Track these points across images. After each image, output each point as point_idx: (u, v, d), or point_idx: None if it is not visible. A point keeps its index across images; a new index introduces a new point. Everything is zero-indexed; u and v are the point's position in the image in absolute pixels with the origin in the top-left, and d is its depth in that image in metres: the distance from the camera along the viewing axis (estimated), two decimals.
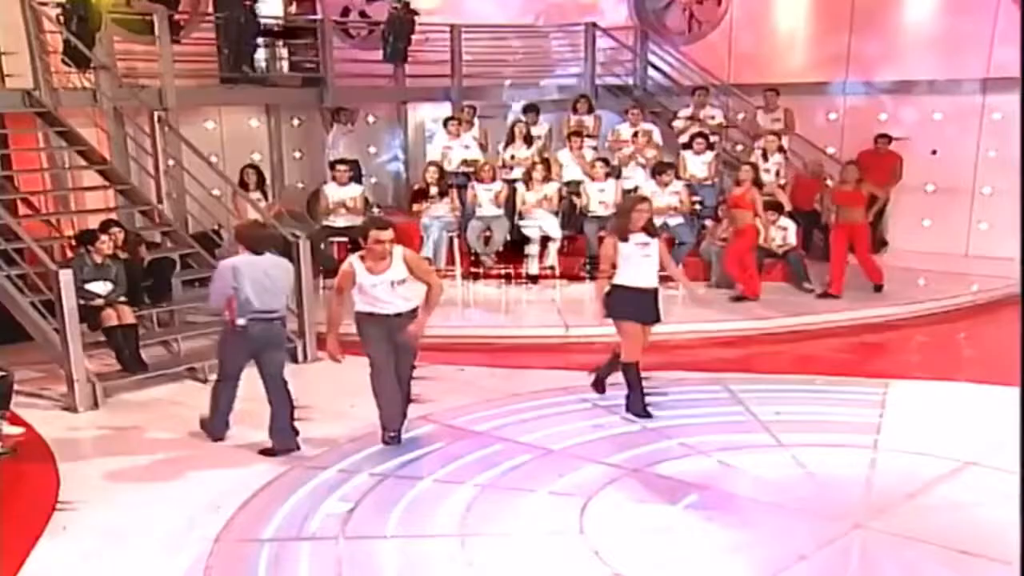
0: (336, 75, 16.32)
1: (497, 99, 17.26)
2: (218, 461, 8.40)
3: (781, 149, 14.95)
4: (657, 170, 13.99)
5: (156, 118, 12.62)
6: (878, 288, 13.56)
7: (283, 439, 8.51)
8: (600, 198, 14.02)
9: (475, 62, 17.23)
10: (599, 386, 9.70)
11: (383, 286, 8.24)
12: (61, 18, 12.84)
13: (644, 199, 9.62)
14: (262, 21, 15.72)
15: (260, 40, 15.80)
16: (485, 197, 13.95)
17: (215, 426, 8.88)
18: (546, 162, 14.35)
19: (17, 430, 9.11)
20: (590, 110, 15.99)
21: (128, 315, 10.57)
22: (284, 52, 16.39)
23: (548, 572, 6.48)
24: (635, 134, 15.19)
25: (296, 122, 16.72)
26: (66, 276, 9.78)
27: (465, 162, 14.84)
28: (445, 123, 15.27)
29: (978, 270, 14.80)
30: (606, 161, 14.38)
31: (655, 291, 9.11)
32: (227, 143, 15.84)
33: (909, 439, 8.62)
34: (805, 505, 7.29)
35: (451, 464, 8.13)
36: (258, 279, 8.35)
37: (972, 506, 7.31)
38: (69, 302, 9.74)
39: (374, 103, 17.25)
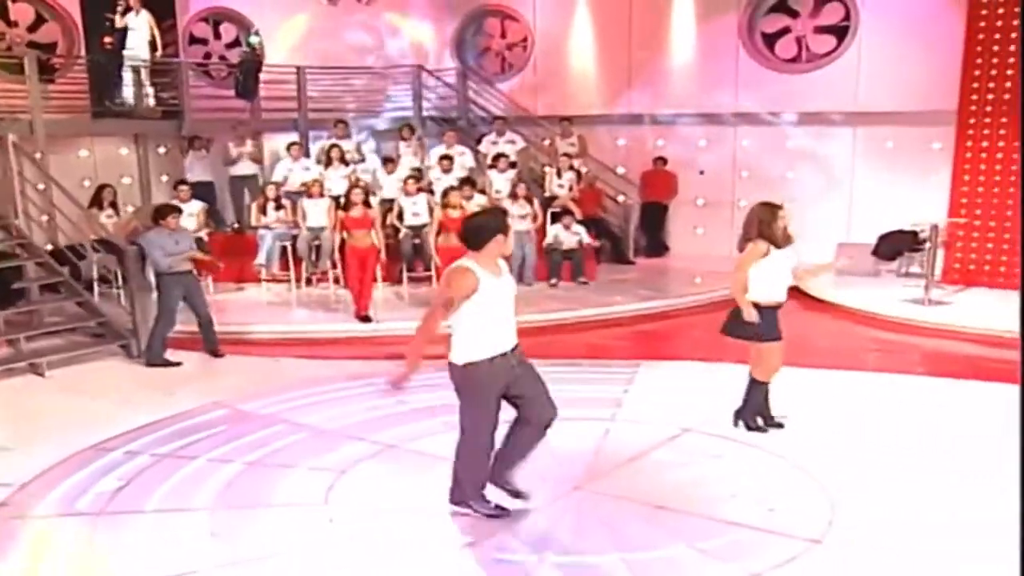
0: (195, 109, 15.50)
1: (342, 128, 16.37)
2: (28, 443, 7.54)
3: (572, 168, 14.45)
4: (460, 185, 13.32)
5: (12, 145, 11.67)
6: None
7: None
8: (413, 210, 13.35)
9: (320, 97, 16.45)
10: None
11: (507, 296, 5.80)
12: None
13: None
14: (128, 62, 14.80)
15: (126, 78, 14.87)
16: (313, 211, 13.15)
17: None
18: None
19: None
20: (411, 133, 15.46)
21: None
22: (150, 89, 15.38)
23: (284, 538, 5.80)
24: (442, 156, 14.53)
25: (162, 150, 15.77)
26: None
27: (304, 183, 13.99)
28: (288, 148, 14.63)
29: None
30: (417, 178, 13.67)
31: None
32: (100, 169, 14.85)
33: (642, 412, 8.15)
34: (536, 472, 6.69)
35: (229, 444, 7.38)
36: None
37: (678, 466, 6.90)
38: None
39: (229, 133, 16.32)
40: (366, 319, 11.33)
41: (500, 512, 6.02)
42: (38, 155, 12.74)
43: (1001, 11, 13.11)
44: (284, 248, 13.48)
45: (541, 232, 13.96)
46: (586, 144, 16.07)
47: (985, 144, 13.43)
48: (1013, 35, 13.00)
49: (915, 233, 13.66)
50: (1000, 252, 13.53)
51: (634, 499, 6.27)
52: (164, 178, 15.72)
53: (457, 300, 5.56)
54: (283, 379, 9.37)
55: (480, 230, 5.67)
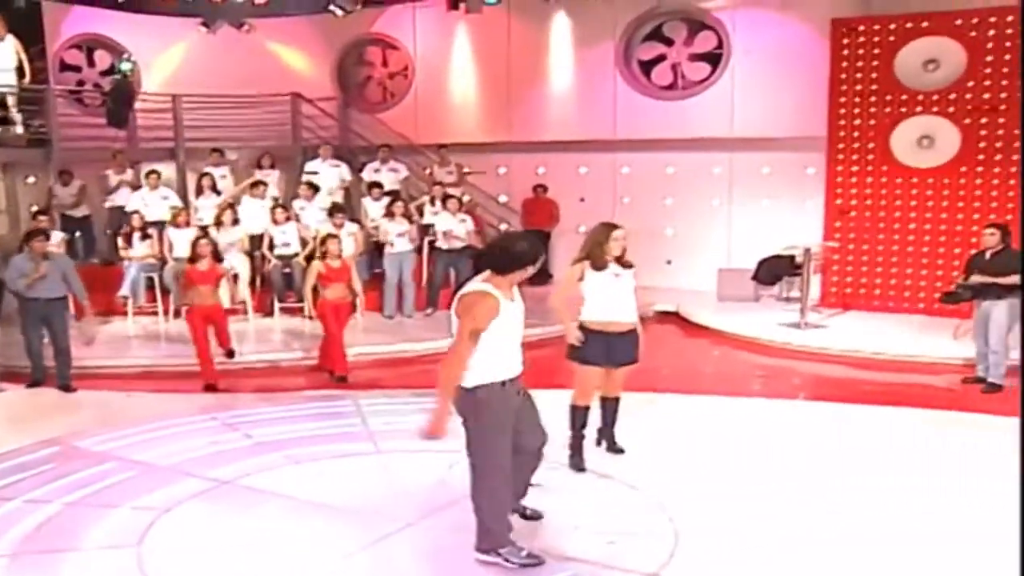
0: (66, 138, 14.95)
1: (217, 157, 15.88)
2: None
3: (447, 197, 14.12)
4: (330, 212, 13.01)
5: None
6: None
7: None
8: (282, 239, 13.01)
9: (196, 126, 15.97)
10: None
11: (519, 319, 5.57)
12: None
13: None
14: None
15: None
16: (180, 240, 12.67)
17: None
18: (233, 207, 13.23)
19: None
20: (272, 166, 15.15)
21: None
22: (18, 116, 14.78)
23: None
24: (307, 184, 14.23)
25: (32, 179, 15.16)
26: None
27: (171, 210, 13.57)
28: (146, 177, 14.07)
29: None
30: (285, 207, 13.32)
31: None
32: None
33: None
34: (369, 508, 6.39)
35: (51, 484, 6.88)
36: None
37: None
38: None
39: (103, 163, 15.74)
40: (230, 353, 10.63)
41: (534, 561, 5.54)
42: None
43: (862, 39, 13.28)
44: (151, 279, 12.96)
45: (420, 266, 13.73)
46: (463, 172, 15.88)
47: (855, 169, 13.55)
48: (875, 63, 13.20)
49: (792, 257, 13.69)
50: (874, 275, 13.65)
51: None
52: (34, 208, 15.09)
53: (483, 329, 5.21)
54: (130, 415, 8.88)
55: (515, 257, 5.37)
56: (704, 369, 11.39)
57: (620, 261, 7.11)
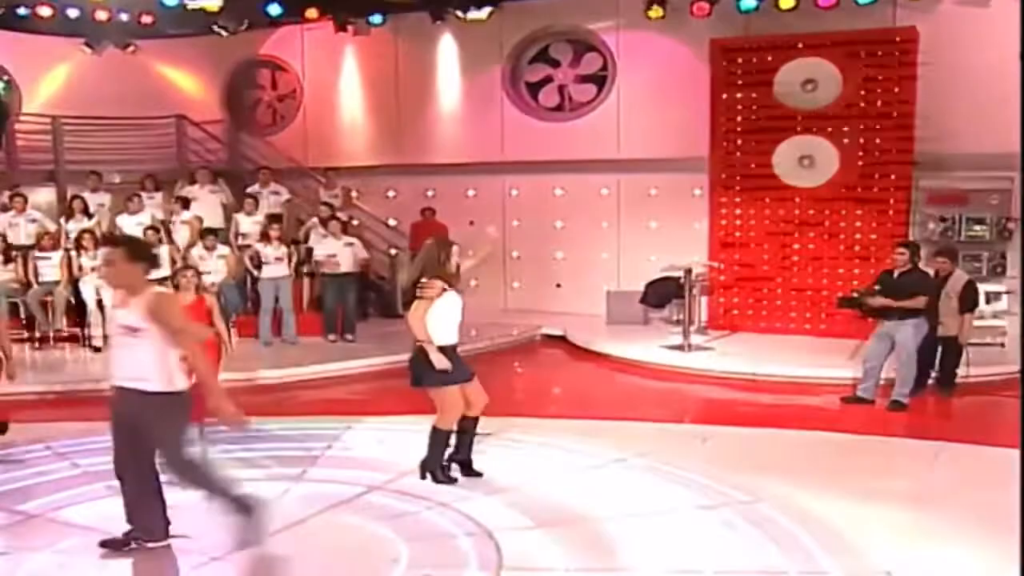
0: None
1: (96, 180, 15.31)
2: None
3: (334, 217, 13.76)
4: (201, 235, 12.70)
5: None
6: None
7: None
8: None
9: (78, 148, 15.47)
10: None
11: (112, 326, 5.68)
12: None
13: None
14: None
15: None
16: (45, 265, 12.19)
17: None
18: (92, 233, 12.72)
19: None
20: (157, 188, 14.61)
21: None
22: None
23: None
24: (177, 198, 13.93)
25: None
26: None
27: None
28: (12, 199, 13.51)
29: (511, 320, 14.37)
30: (156, 229, 12.82)
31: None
32: None
33: (335, 470, 7.51)
34: (182, 541, 5.99)
35: None
36: None
37: (346, 530, 6.28)
38: None
39: None
40: None
41: None
42: None
43: (740, 60, 13.29)
44: (14, 305, 12.40)
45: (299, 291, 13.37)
46: (350, 194, 15.62)
47: (739, 188, 13.49)
48: (755, 84, 13.19)
49: (679, 279, 13.54)
50: (760, 296, 13.57)
51: (277, 571, 5.63)
52: None
53: None
54: None
55: None
56: (578, 391, 11.14)
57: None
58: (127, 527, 5.75)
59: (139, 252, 5.65)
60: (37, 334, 12.46)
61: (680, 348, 12.26)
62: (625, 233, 14.78)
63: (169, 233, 13.30)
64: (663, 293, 13.99)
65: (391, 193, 16.22)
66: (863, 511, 6.38)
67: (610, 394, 10.91)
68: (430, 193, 15.84)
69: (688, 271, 12.57)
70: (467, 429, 7.25)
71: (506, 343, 13.24)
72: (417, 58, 15.93)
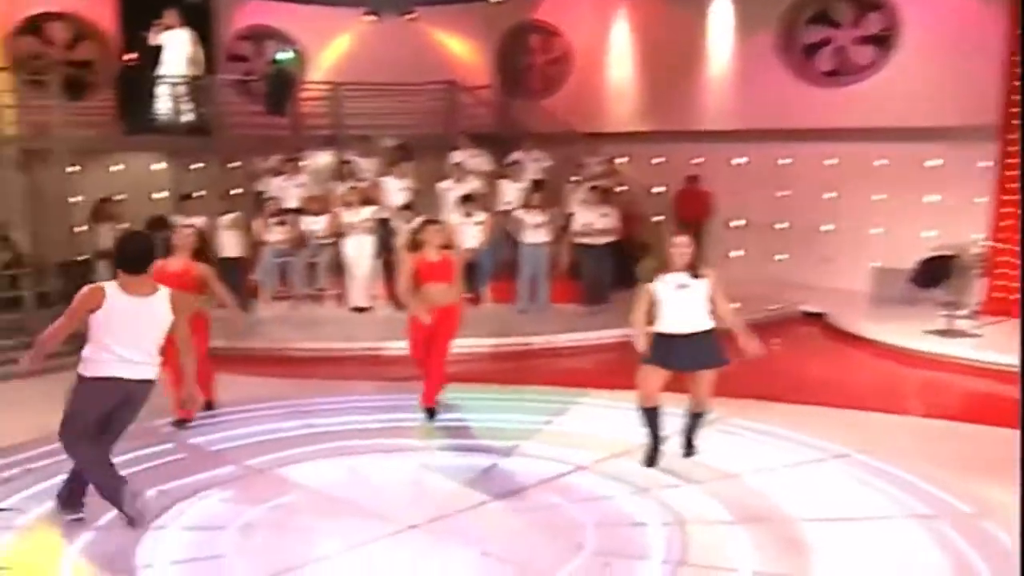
0: (234, 125, 15.69)
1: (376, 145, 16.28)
2: None
3: (593, 187, 13.83)
4: (461, 200, 13.14)
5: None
6: None
7: None
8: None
9: (355, 114, 16.41)
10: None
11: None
12: None
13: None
14: (163, 79, 15.08)
15: (161, 94, 15.15)
16: (314, 228, 13.09)
17: None
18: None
19: None
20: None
21: None
22: (186, 106, 15.61)
23: None
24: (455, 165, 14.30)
25: (197, 166, 15.96)
26: None
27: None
28: (285, 163, 14.45)
29: (772, 294, 13.78)
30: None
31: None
32: (133, 183, 15.06)
33: (549, 446, 7.62)
34: (373, 506, 6.38)
35: None
36: None
37: (541, 510, 6.38)
38: None
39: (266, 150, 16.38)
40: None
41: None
42: (72, 169, 13.50)
43: None
44: (282, 266, 13.38)
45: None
46: (615, 163, 15.60)
47: None
48: None
49: (954, 258, 12.66)
50: None
51: (465, 544, 5.83)
52: (200, 193, 15.92)
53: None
54: (224, 396, 8.88)
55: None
56: (824, 376, 10.70)
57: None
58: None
59: None
60: (301, 293, 13.38)
61: (944, 334, 11.49)
62: (898, 207, 13.93)
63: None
64: (934, 273, 13.03)
65: (657, 160, 16.09)
66: None
67: (858, 381, 10.39)
68: (696, 161, 15.59)
69: (965, 250, 11.73)
70: (688, 413, 7.21)
71: (762, 319, 12.74)
72: (688, 21, 15.71)
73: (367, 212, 13.09)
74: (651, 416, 7.10)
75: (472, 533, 5.99)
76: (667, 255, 6.86)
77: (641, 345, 6.89)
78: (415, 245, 8.25)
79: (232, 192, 14.97)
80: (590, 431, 8.04)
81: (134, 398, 5.99)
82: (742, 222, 15.30)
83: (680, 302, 6.87)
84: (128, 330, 5.84)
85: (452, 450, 7.67)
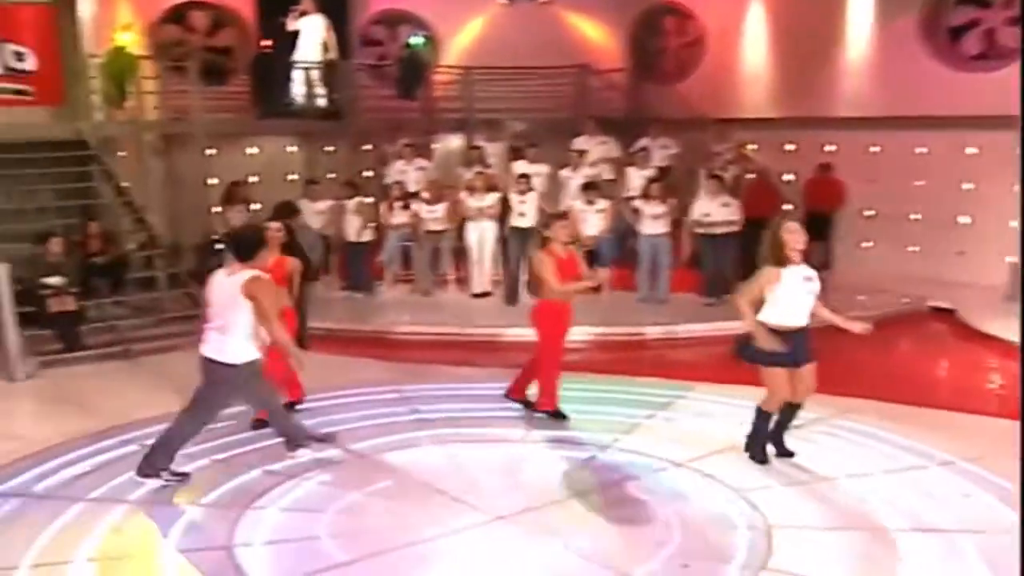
0: (366, 109, 16.17)
1: (505, 129, 16.54)
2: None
3: (712, 177, 13.62)
4: (583, 188, 13.13)
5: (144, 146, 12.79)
6: None
7: None
8: (520, 210, 12.97)
9: (486, 97, 16.65)
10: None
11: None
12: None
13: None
14: (298, 64, 15.65)
15: (296, 79, 15.71)
16: (431, 216, 13.42)
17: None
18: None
19: None
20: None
21: (70, 304, 10.60)
22: (320, 90, 16.14)
23: None
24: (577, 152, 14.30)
25: (330, 149, 16.46)
26: (2, 269, 9.84)
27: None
28: (405, 147, 14.76)
29: (902, 288, 13.60)
30: (528, 176, 13.28)
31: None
32: (267, 166, 15.70)
33: (649, 440, 7.70)
34: (467, 495, 6.59)
35: (215, 441, 7.48)
36: None
37: (628, 505, 6.52)
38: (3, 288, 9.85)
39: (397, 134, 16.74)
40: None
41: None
42: (210, 152, 14.35)
43: None
44: (406, 249, 13.74)
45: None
46: (745, 149, 15.42)
47: None
48: None
49: None
50: None
51: (550, 537, 5.99)
52: (331, 176, 16.44)
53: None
54: (336, 379, 9.36)
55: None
56: (946, 376, 10.41)
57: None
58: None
59: None
60: (422, 278, 13.67)
61: None
62: None
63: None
64: None
65: (789, 147, 15.81)
66: None
67: (981, 383, 10.08)
68: (829, 148, 15.26)
69: None
70: (785, 413, 7.17)
71: (890, 313, 12.50)
72: (826, 3, 15.36)
73: (491, 199, 13.20)
74: (771, 419, 7.12)
75: (558, 527, 6.13)
76: (782, 241, 6.76)
77: (767, 341, 6.78)
78: (544, 241, 8.26)
79: (364, 174, 15.45)
80: (692, 427, 8.09)
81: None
82: (873, 212, 14.89)
83: (803, 295, 6.82)
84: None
85: (552, 442, 7.79)
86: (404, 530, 6.10)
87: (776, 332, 6.81)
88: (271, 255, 7.80)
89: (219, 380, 6.57)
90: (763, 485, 6.78)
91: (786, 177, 15.52)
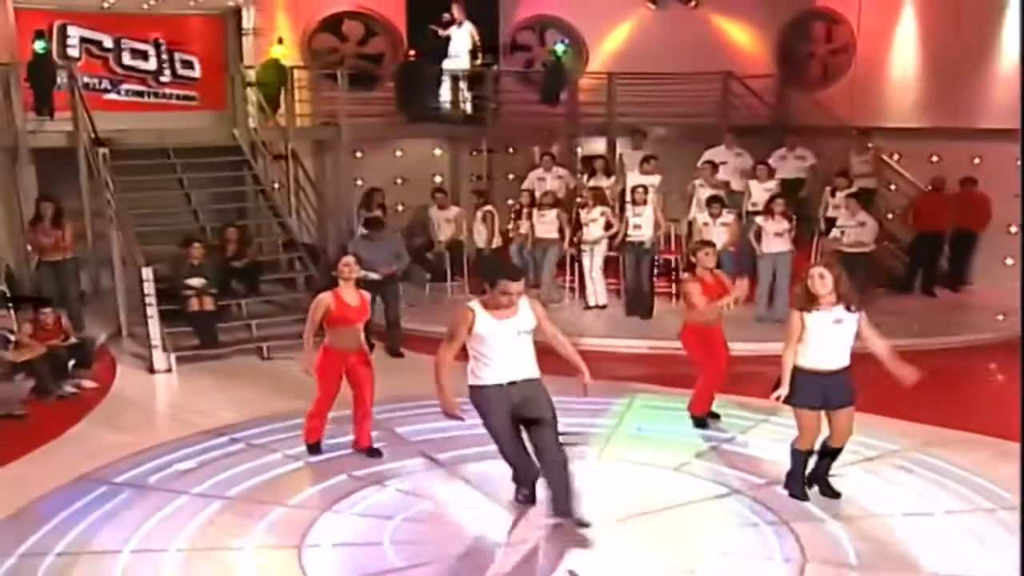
0: (509, 113, 16.96)
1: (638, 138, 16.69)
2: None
3: (850, 193, 13.57)
4: (708, 202, 13.26)
5: (289, 152, 13.78)
6: None
7: None
8: (635, 222, 13.07)
9: (630, 103, 17.04)
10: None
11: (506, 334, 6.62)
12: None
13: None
14: (447, 71, 16.51)
15: (445, 84, 16.59)
16: (542, 222, 13.81)
17: None
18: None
19: (92, 384, 10.44)
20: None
21: (209, 303, 11.65)
22: (467, 95, 16.93)
23: None
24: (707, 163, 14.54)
25: (474, 152, 17.19)
26: (147, 272, 11.01)
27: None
28: (541, 158, 15.28)
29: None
30: (645, 188, 13.31)
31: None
32: (413, 168, 16.58)
33: (721, 464, 8.08)
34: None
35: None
36: None
37: (673, 532, 6.89)
38: (148, 288, 11.04)
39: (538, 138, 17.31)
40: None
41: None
42: (358, 155, 15.63)
43: None
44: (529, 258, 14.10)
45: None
46: (881, 160, 15.35)
47: None
48: None
49: None
50: None
51: (585, 557, 6.43)
52: (475, 178, 17.21)
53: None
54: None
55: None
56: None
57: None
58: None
59: None
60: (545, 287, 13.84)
61: None
62: None
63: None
64: None
65: (935, 158, 15.57)
66: None
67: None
68: (976, 161, 14.98)
69: None
70: (823, 458, 7.34)
71: (984, 340, 12.28)
72: (983, 9, 14.98)
73: (597, 212, 13.29)
74: (806, 458, 7.32)
75: (596, 548, 6.54)
76: (807, 287, 6.87)
77: (787, 386, 7.01)
78: (689, 267, 9.04)
79: (509, 177, 16.17)
80: (764, 454, 8.28)
81: None
82: (1017, 229, 14.54)
83: (833, 338, 6.91)
84: None
85: (626, 461, 8.20)
86: (462, 540, 6.69)
87: (810, 374, 6.96)
88: (352, 291, 8.13)
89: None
90: (813, 518, 7.01)
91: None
